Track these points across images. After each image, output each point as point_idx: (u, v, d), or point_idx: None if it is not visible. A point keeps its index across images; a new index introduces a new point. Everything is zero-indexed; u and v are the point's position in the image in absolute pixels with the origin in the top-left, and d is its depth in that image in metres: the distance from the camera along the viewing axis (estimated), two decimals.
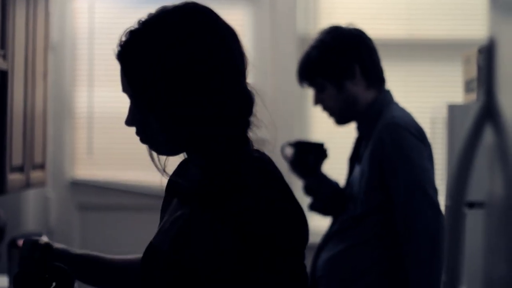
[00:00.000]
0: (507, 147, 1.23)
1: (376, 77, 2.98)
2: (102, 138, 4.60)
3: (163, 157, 1.73)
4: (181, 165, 1.80)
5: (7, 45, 3.21)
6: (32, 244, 1.86)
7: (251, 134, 1.69)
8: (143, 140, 1.69)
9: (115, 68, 1.71)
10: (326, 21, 4.28)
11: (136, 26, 1.67)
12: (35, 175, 3.68)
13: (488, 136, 1.31)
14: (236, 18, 4.48)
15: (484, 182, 1.34)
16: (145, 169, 4.40)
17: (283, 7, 4.57)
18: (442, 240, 2.74)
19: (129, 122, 1.69)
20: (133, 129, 1.71)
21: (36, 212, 4.56)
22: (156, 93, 1.63)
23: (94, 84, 4.61)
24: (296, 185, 3.43)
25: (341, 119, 3.00)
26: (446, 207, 2.75)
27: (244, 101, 1.67)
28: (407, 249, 2.78)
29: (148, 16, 1.68)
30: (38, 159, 3.72)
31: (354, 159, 3.01)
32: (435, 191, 2.81)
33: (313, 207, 3.09)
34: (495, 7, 1.31)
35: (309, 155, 3.03)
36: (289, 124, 4.42)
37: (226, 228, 1.54)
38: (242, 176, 1.61)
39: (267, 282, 1.55)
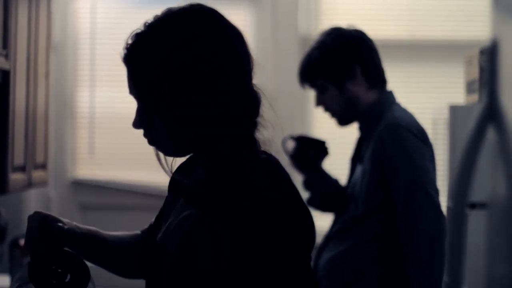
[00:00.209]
0: (509, 148, 1.23)
1: (377, 78, 2.98)
2: (104, 138, 4.60)
3: (170, 159, 1.73)
4: (185, 164, 1.80)
5: (9, 44, 3.22)
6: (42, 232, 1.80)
7: (258, 135, 1.69)
8: (150, 142, 1.70)
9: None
10: (328, 21, 4.29)
11: (142, 28, 1.68)
12: (37, 174, 3.68)
13: (490, 137, 1.32)
14: (238, 19, 4.42)
15: (486, 183, 1.34)
16: (146, 169, 4.47)
17: (285, 8, 4.57)
18: (442, 241, 2.74)
19: (136, 124, 1.70)
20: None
21: None
22: (161, 94, 1.63)
23: (96, 84, 4.60)
24: (296, 179, 3.43)
25: (343, 120, 3.00)
26: (448, 208, 2.75)
27: (249, 101, 1.67)
28: (407, 250, 2.78)
29: (154, 18, 1.68)
30: (39, 158, 3.72)
31: (356, 159, 3.02)
32: (436, 192, 2.81)
33: (311, 203, 3.09)
34: (498, 8, 1.32)
35: (309, 150, 3.03)
36: (290, 125, 4.42)
37: (227, 228, 1.54)
38: (247, 176, 1.61)
39: (267, 282, 1.56)
